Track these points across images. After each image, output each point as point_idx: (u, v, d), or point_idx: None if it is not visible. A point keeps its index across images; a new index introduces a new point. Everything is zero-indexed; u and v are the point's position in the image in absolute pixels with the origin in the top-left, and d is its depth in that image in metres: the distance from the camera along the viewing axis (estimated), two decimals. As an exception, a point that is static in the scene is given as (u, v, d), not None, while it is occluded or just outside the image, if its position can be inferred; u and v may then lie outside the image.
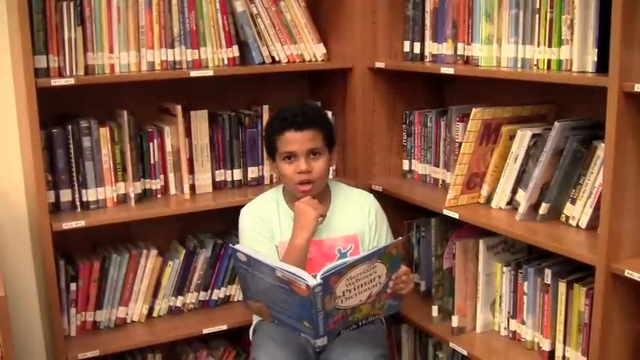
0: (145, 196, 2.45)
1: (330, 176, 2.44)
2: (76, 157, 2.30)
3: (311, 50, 2.57)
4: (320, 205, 2.17)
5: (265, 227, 2.23)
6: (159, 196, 2.48)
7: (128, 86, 2.39)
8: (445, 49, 2.33)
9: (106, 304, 2.43)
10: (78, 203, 2.32)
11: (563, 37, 1.90)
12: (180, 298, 2.55)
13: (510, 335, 2.25)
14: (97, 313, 2.43)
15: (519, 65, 2.05)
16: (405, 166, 2.66)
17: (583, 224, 1.98)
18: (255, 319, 2.30)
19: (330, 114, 2.65)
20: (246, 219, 2.27)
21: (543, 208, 2.05)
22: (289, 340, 2.12)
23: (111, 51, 2.28)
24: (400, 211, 2.55)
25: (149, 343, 2.48)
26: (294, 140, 2.15)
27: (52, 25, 2.17)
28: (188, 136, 2.48)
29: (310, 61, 2.57)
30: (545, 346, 2.10)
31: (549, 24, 1.94)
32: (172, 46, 2.36)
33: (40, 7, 2.15)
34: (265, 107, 2.59)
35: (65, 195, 2.32)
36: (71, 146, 2.29)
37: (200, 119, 2.50)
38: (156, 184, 2.47)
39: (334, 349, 2.10)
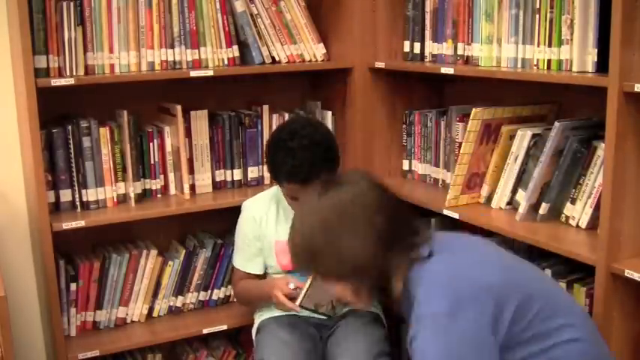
0: (145, 196, 2.45)
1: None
2: (76, 157, 2.30)
3: (311, 50, 2.57)
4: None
5: (255, 229, 2.26)
6: (159, 196, 2.48)
7: (128, 86, 2.38)
8: (445, 49, 2.33)
9: (106, 304, 2.43)
10: (78, 203, 2.33)
11: (563, 37, 1.90)
12: (180, 298, 2.55)
13: (510, 335, 2.25)
14: (97, 313, 2.43)
15: (519, 65, 2.05)
16: (405, 166, 2.66)
17: (583, 224, 1.98)
18: (258, 318, 2.30)
19: (330, 114, 2.66)
20: (242, 215, 2.31)
21: (543, 208, 2.05)
22: (295, 338, 2.13)
23: (111, 51, 2.28)
24: (400, 211, 2.55)
25: (149, 343, 2.48)
26: (300, 190, 2.07)
27: (52, 25, 2.17)
28: (188, 136, 2.48)
29: (310, 61, 2.57)
30: (545, 346, 2.10)
31: (549, 24, 1.94)
32: (172, 46, 2.36)
33: (40, 7, 2.15)
34: (265, 107, 2.59)
35: (65, 195, 2.32)
36: (71, 146, 2.29)
37: (200, 119, 2.50)
38: (156, 184, 2.47)
39: (336, 349, 2.12)
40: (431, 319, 1.46)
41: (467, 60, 2.24)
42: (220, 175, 2.58)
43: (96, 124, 2.31)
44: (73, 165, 2.30)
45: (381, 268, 1.53)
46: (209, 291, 2.60)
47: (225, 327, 2.50)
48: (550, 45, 1.94)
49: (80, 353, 2.29)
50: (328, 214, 1.53)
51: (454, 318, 1.43)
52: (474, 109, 2.14)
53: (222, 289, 2.61)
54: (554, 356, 1.50)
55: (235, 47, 2.44)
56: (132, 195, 2.38)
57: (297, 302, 2.03)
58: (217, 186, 2.58)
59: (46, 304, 2.42)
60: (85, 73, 2.24)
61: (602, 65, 1.80)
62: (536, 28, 1.97)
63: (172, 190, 2.50)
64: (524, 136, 2.11)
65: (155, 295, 2.51)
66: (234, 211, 2.34)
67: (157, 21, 2.32)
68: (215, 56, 2.41)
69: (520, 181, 2.13)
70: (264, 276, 2.31)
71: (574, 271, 2.01)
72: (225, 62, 2.43)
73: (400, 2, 2.51)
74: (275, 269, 2.26)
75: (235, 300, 2.56)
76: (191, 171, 2.50)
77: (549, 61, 1.95)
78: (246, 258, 2.30)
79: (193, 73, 2.33)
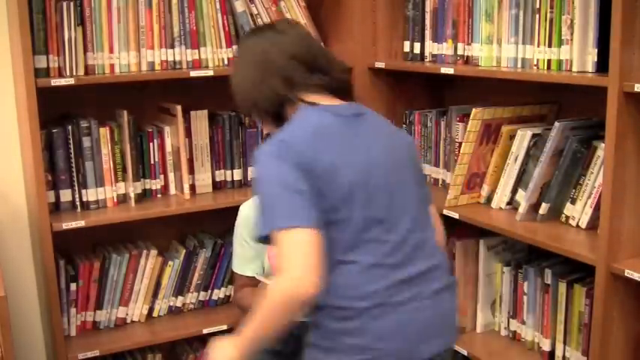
0: (145, 196, 2.45)
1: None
2: (76, 157, 2.30)
3: (311, 50, 2.57)
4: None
5: (250, 231, 2.22)
6: (159, 196, 2.48)
7: (128, 86, 2.39)
8: (445, 49, 2.33)
9: (106, 304, 2.43)
10: (78, 203, 2.33)
11: (563, 37, 1.90)
12: (180, 298, 2.55)
13: (510, 335, 2.25)
14: (97, 313, 2.43)
15: (519, 65, 2.05)
16: (405, 166, 2.66)
17: (583, 224, 1.98)
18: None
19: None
20: (239, 218, 2.27)
21: (543, 208, 2.05)
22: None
23: (111, 51, 2.28)
24: (400, 211, 2.54)
25: (149, 343, 2.48)
26: None
27: (52, 25, 2.17)
28: (188, 136, 2.48)
29: (310, 61, 2.57)
30: (546, 346, 2.10)
31: (549, 24, 1.94)
32: (172, 46, 2.36)
33: (40, 7, 2.15)
34: (265, 107, 2.59)
35: (65, 195, 2.32)
36: (71, 146, 2.29)
37: (200, 119, 2.50)
38: (156, 184, 2.47)
39: None
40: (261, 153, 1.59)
41: (467, 60, 2.24)
42: (220, 175, 2.58)
43: (96, 124, 2.32)
44: (73, 165, 2.30)
45: (272, 100, 1.68)
46: (209, 291, 2.60)
47: (225, 327, 2.50)
48: (550, 45, 1.94)
49: (80, 353, 2.29)
50: (238, 55, 1.84)
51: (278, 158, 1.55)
52: (473, 109, 2.14)
53: (222, 289, 2.61)
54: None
55: (235, 47, 2.44)
56: (132, 195, 2.39)
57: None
58: (217, 186, 2.58)
59: (46, 304, 2.42)
60: (85, 73, 2.24)
61: (602, 65, 1.80)
62: (536, 28, 1.97)
63: (172, 190, 2.50)
64: (524, 136, 2.11)
65: (155, 295, 2.51)
66: (234, 211, 2.33)
67: (156, 21, 2.32)
68: (215, 56, 2.41)
69: (520, 181, 2.14)
70: None
71: (574, 271, 2.01)
72: (225, 62, 2.43)
73: (400, 2, 2.52)
74: (268, 271, 2.25)
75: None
76: (191, 171, 2.50)
77: (549, 61, 1.95)
78: (245, 260, 2.26)
79: (193, 73, 2.33)
